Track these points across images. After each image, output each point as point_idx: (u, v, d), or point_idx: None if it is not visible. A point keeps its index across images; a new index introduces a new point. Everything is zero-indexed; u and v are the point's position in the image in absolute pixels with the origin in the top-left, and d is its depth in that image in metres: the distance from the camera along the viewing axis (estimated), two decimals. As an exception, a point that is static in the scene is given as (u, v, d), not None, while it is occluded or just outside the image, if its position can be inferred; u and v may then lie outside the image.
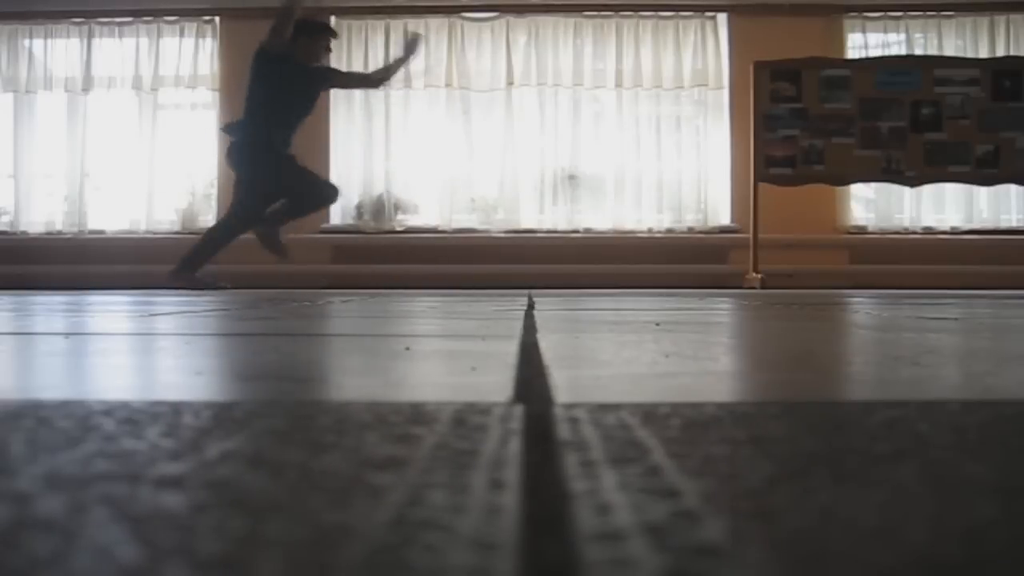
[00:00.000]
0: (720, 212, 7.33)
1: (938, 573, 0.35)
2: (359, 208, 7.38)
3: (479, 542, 0.38)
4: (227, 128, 5.78)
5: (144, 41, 7.42)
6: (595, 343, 1.51)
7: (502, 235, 7.23)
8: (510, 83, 7.26)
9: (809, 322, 2.28)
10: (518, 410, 0.75)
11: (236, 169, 5.69)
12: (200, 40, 7.42)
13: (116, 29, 7.43)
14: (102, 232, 7.38)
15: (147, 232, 7.34)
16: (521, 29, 7.35)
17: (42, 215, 7.48)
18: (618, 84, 7.29)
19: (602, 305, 3.24)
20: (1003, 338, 1.70)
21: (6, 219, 7.53)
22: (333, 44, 5.87)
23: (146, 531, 0.40)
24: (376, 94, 7.26)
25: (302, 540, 0.39)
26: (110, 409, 0.75)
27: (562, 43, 7.32)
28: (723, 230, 7.26)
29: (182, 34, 7.43)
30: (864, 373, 1.13)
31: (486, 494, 0.46)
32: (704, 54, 7.31)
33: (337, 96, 7.33)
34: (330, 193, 5.75)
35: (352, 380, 1.08)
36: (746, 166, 6.58)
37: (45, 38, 7.46)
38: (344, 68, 7.28)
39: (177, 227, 7.36)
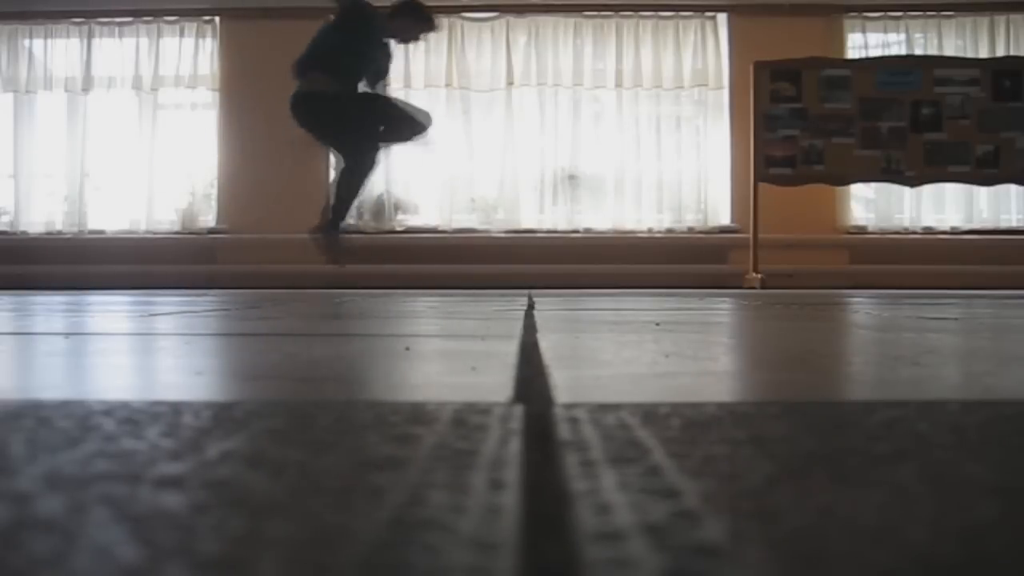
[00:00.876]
0: (720, 212, 7.33)
1: (938, 573, 0.35)
2: (359, 208, 7.38)
3: (479, 542, 0.38)
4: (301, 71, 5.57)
5: (144, 41, 7.42)
6: (595, 343, 1.51)
7: (502, 235, 7.23)
8: (510, 83, 7.26)
9: (809, 322, 2.28)
10: (518, 410, 0.75)
11: (311, 120, 5.53)
12: (200, 40, 7.42)
13: (116, 29, 7.43)
14: (102, 232, 7.38)
15: (147, 232, 7.34)
16: (521, 29, 7.35)
17: (42, 215, 7.48)
18: (618, 84, 7.29)
19: (602, 305, 3.24)
20: (1003, 338, 1.70)
21: (6, 219, 7.53)
22: (422, 38, 5.75)
23: (146, 531, 0.40)
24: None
25: (302, 540, 0.39)
26: (110, 409, 0.75)
27: (562, 43, 7.32)
28: (723, 230, 7.26)
29: (182, 34, 7.43)
30: (864, 373, 1.13)
31: (486, 494, 0.46)
32: (704, 54, 7.31)
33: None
34: (423, 119, 5.55)
35: (352, 380, 1.08)
36: (746, 166, 6.58)
37: (45, 38, 7.46)
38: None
39: (177, 227, 7.36)
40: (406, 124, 5.54)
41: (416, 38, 5.59)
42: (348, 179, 5.51)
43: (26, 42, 7.51)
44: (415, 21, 5.48)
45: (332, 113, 5.48)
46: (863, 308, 3.10)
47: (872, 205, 7.43)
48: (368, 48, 5.46)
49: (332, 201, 5.57)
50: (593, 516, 0.42)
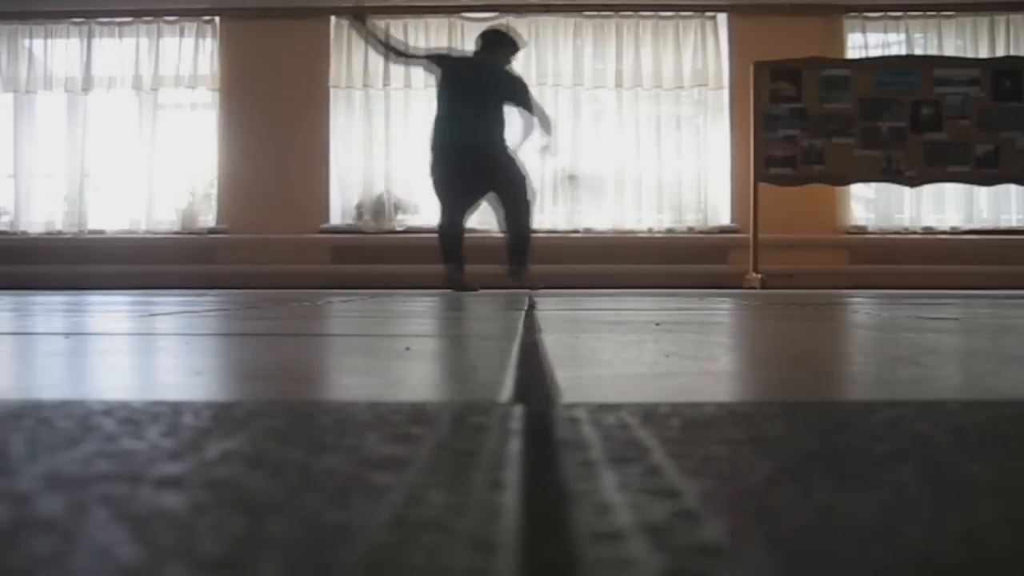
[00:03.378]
0: (720, 212, 7.33)
1: (938, 573, 0.35)
2: (359, 208, 7.38)
3: (479, 542, 0.38)
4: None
5: (144, 41, 7.42)
6: (595, 343, 1.51)
7: (502, 235, 7.23)
8: (510, 83, 7.26)
9: (809, 322, 2.27)
10: (518, 410, 0.75)
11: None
12: (200, 40, 7.42)
13: (116, 29, 7.44)
14: (102, 232, 7.38)
15: (147, 232, 7.34)
16: (521, 29, 7.34)
17: (42, 215, 7.48)
18: (618, 84, 7.29)
19: (602, 305, 3.24)
20: (1003, 338, 1.70)
21: (6, 219, 7.53)
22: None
23: (146, 531, 0.40)
24: (376, 94, 7.27)
25: (302, 540, 0.39)
26: (110, 409, 0.75)
27: (562, 43, 7.32)
28: (723, 230, 7.26)
29: (182, 34, 7.43)
30: (864, 373, 1.13)
31: (486, 494, 0.46)
32: (704, 54, 7.31)
33: (337, 96, 7.34)
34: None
35: (352, 380, 1.08)
36: (746, 166, 6.58)
37: (45, 38, 7.47)
38: (344, 69, 7.30)
39: (177, 227, 7.36)
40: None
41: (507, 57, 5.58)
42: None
43: (26, 42, 7.51)
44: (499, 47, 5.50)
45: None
46: (863, 308, 3.10)
47: (872, 205, 7.43)
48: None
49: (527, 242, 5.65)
50: (593, 516, 0.42)
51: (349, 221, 7.38)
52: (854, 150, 6.37)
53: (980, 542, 0.39)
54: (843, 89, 6.38)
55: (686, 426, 0.67)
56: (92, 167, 7.46)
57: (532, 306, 3.01)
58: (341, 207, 7.37)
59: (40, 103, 7.51)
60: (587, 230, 7.27)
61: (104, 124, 7.48)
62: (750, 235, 6.38)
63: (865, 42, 7.41)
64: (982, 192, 7.04)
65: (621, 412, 0.73)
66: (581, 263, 7.05)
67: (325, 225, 7.28)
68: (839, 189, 7.01)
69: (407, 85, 7.22)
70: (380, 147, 7.35)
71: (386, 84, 7.29)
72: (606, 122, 7.37)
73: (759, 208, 6.32)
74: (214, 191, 7.46)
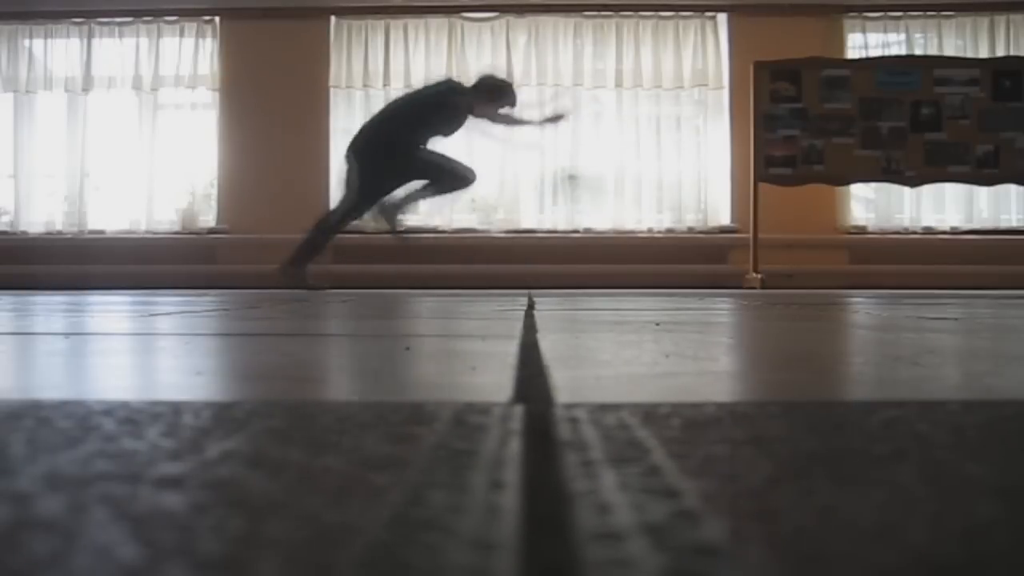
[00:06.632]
0: (720, 212, 7.33)
1: (938, 573, 0.35)
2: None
3: (479, 542, 0.38)
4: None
5: (144, 41, 7.42)
6: (595, 343, 1.51)
7: (502, 235, 7.23)
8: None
9: (809, 322, 2.27)
10: (518, 410, 0.75)
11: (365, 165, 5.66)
12: (200, 40, 7.42)
13: (116, 29, 7.43)
14: (102, 232, 7.38)
15: (147, 232, 7.34)
16: (521, 29, 7.35)
17: (42, 215, 7.48)
18: (618, 84, 7.29)
19: (602, 305, 3.24)
20: (1003, 338, 1.70)
21: (6, 219, 7.53)
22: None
23: (146, 531, 0.40)
24: (376, 94, 7.26)
25: (302, 540, 0.39)
26: (110, 409, 0.75)
27: (562, 43, 7.32)
28: (723, 230, 7.26)
29: (182, 34, 7.43)
30: (864, 373, 1.13)
31: (486, 494, 0.46)
32: (704, 54, 7.31)
33: (337, 96, 7.34)
34: (468, 175, 5.73)
35: (352, 380, 1.08)
36: (746, 166, 6.58)
37: (45, 38, 7.46)
38: (344, 69, 7.30)
39: (177, 227, 7.36)
40: (451, 177, 5.63)
41: (495, 110, 5.75)
42: (330, 224, 5.73)
43: (26, 42, 7.51)
44: (492, 99, 5.69)
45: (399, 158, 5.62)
46: (863, 308, 3.10)
47: (872, 205, 7.43)
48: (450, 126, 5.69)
49: (303, 241, 5.72)
50: (593, 516, 0.42)
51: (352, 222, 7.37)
52: (854, 150, 6.36)
53: (980, 542, 0.39)
54: (843, 89, 6.38)
55: (686, 426, 0.67)
56: (92, 167, 7.46)
57: (532, 306, 3.01)
58: (341, 207, 7.37)
59: (40, 103, 7.51)
60: (587, 230, 7.27)
61: (104, 124, 7.48)
62: (750, 235, 6.38)
63: (865, 42, 7.41)
64: (982, 192, 7.03)
65: (621, 412, 0.73)
66: (581, 263, 7.05)
67: (325, 225, 7.27)
68: (839, 189, 7.01)
69: (407, 85, 7.21)
70: (380, 147, 7.35)
71: (386, 84, 7.29)
72: (606, 122, 7.37)
73: (759, 208, 6.32)
74: (214, 191, 7.45)
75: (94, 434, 0.64)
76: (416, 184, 5.69)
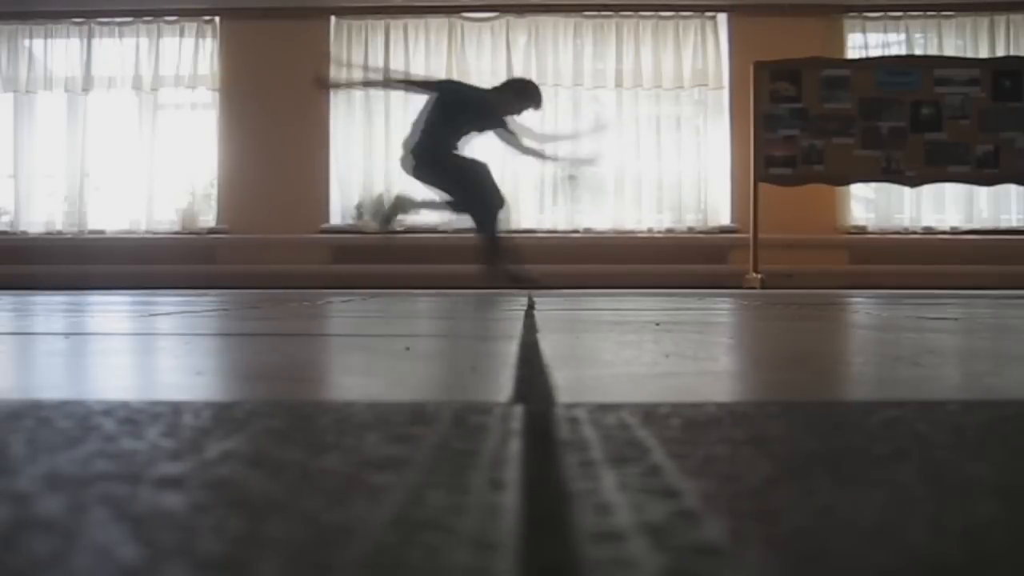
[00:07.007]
0: (720, 212, 7.33)
1: (938, 573, 0.35)
2: (359, 208, 7.38)
3: (479, 542, 0.38)
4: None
5: (144, 41, 7.42)
6: (595, 343, 1.51)
7: (502, 235, 7.22)
8: (510, 83, 7.27)
9: (809, 322, 2.27)
10: (518, 410, 0.75)
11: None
12: (200, 40, 7.42)
13: (116, 29, 7.44)
14: (102, 232, 7.38)
15: (147, 232, 7.34)
16: (521, 29, 7.35)
17: (42, 215, 7.48)
18: (618, 84, 7.29)
19: (602, 305, 3.24)
20: (1003, 338, 1.70)
21: (6, 219, 7.53)
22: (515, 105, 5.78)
23: (146, 531, 0.40)
24: (376, 94, 7.26)
25: (302, 540, 0.39)
26: (110, 409, 0.75)
27: (562, 43, 7.32)
28: (723, 230, 7.26)
29: (182, 34, 7.43)
30: (864, 373, 1.13)
31: (486, 494, 0.46)
32: (704, 54, 7.31)
33: (337, 96, 7.34)
34: (495, 202, 5.66)
35: (352, 380, 1.08)
36: (746, 166, 6.58)
37: (45, 38, 7.46)
38: (344, 69, 7.29)
39: (177, 227, 7.36)
40: (474, 202, 5.56)
41: (518, 112, 5.67)
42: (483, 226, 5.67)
43: (26, 42, 7.51)
44: (520, 99, 5.60)
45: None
46: (863, 308, 3.10)
47: (872, 205, 7.43)
48: (472, 125, 5.58)
49: (485, 251, 5.65)
50: (593, 516, 0.42)
51: (349, 221, 7.38)
52: (854, 150, 6.36)
53: (980, 542, 0.39)
54: (843, 89, 6.38)
55: (686, 426, 0.67)
56: (92, 167, 7.46)
57: (532, 306, 3.01)
58: (341, 207, 7.37)
59: (40, 103, 7.51)
60: (587, 230, 7.27)
61: (104, 124, 7.48)
62: (750, 235, 6.38)
63: (865, 42, 7.41)
64: (982, 192, 7.04)
65: (621, 412, 0.73)
66: (581, 263, 7.05)
67: (325, 225, 7.28)
68: (839, 189, 7.01)
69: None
70: (380, 147, 7.35)
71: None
72: (606, 122, 7.37)
73: (759, 208, 6.32)
74: (214, 191, 7.46)
75: (94, 434, 0.64)
76: (440, 194, 5.60)
